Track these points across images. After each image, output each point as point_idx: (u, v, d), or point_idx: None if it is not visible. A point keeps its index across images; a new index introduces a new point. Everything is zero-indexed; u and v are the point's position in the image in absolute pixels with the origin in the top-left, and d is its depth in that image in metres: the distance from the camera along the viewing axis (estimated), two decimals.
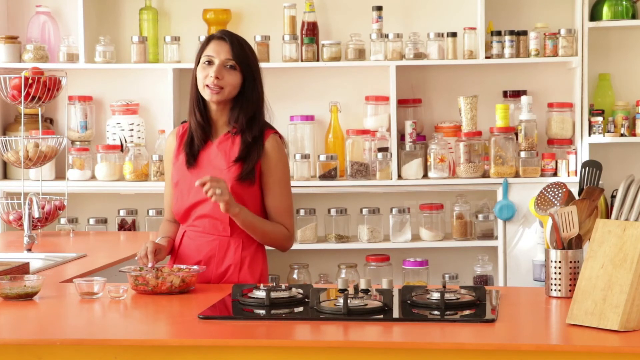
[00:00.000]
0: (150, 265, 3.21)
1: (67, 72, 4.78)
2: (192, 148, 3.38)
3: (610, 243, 2.60)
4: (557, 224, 2.90)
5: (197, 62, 3.35)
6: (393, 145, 5.24)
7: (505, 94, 5.38)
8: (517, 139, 5.23)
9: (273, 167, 3.35)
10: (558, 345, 2.49)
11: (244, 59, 3.31)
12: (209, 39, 3.36)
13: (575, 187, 3.09)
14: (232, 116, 3.35)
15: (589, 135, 5.21)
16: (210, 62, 3.31)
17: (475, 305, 2.81)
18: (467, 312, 2.75)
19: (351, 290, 2.81)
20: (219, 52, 3.30)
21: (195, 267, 3.20)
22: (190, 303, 2.95)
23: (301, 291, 2.92)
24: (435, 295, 2.80)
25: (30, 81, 4.56)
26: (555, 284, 2.92)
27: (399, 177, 5.24)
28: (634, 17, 5.26)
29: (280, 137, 3.41)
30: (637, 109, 5.24)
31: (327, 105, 5.36)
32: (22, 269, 3.28)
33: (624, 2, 5.23)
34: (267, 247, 3.45)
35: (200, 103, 3.37)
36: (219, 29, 5.23)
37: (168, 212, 3.53)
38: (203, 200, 3.33)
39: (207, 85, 3.30)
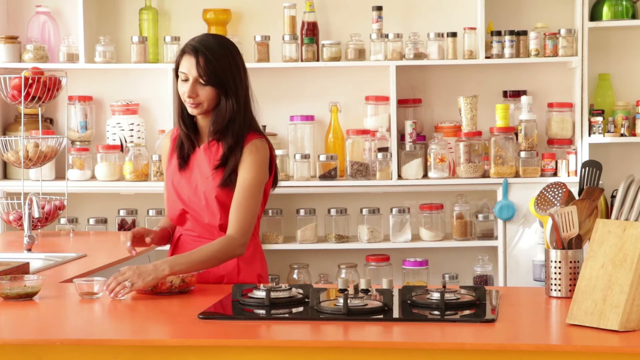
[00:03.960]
0: (128, 244, 3.25)
1: (67, 72, 4.78)
2: (183, 151, 3.39)
3: (610, 243, 2.60)
4: (557, 224, 2.90)
5: (176, 75, 3.34)
6: (393, 145, 5.24)
7: (505, 94, 5.38)
8: (517, 139, 5.23)
9: (242, 167, 3.28)
10: (558, 345, 2.49)
11: (212, 73, 3.24)
12: (182, 52, 3.31)
13: (575, 187, 3.09)
14: (210, 125, 3.33)
15: (589, 135, 5.21)
16: (186, 79, 3.31)
17: (475, 305, 2.81)
18: (467, 312, 2.75)
19: (351, 290, 2.81)
20: (189, 69, 3.27)
21: None
22: (190, 303, 2.95)
23: (301, 291, 2.92)
24: (435, 295, 2.80)
25: (30, 81, 4.56)
26: (555, 284, 2.92)
27: (399, 177, 5.24)
28: (634, 17, 5.26)
29: (267, 140, 3.35)
30: (637, 109, 5.24)
31: (327, 105, 5.36)
32: (22, 269, 3.28)
33: (624, 2, 5.23)
34: (265, 248, 3.44)
35: (184, 113, 3.38)
36: (219, 31, 5.28)
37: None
38: (193, 207, 3.33)
39: (187, 101, 3.31)
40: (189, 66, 3.27)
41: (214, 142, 3.33)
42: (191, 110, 3.31)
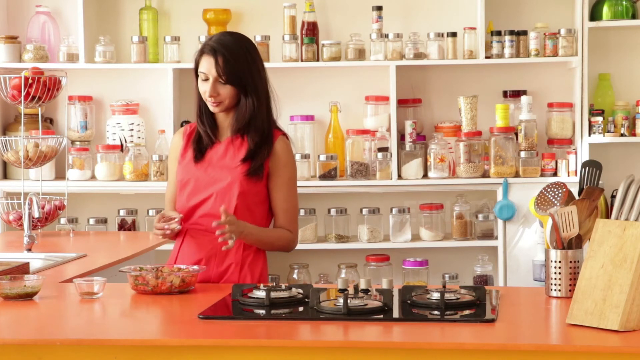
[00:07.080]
0: (177, 219, 3.30)
1: (67, 72, 4.78)
2: (201, 145, 3.42)
3: (610, 243, 2.60)
4: (557, 224, 2.90)
5: (196, 74, 3.38)
6: (393, 145, 5.24)
7: (505, 94, 5.38)
8: (517, 139, 5.23)
9: (282, 168, 3.38)
10: (558, 345, 2.49)
11: (230, 72, 3.32)
12: (201, 52, 3.37)
13: (575, 187, 3.09)
14: (232, 123, 3.39)
15: (589, 135, 5.21)
16: (206, 79, 3.35)
17: (475, 305, 2.81)
18: (467, 312, 2.75)
19: (351, 290, 2.81)
20: (209, 69, 3.34)
21: (195, 267, 3.20)
22: (190, 303, 2.95)
23: (301, 291, 2.92)
24: (435, 295, 2.80)
25: (30, 81, 4.56)
26: (555, 284, 2.92)
27: (399, 177, 5.24)
28: (634, 17, 5.26)
29: (288, 138, 3.44)
30: (637, 109, 5.24)
31: (327, 105, 5.36)
32: (22, 269, 3.28)
33: (624, 2, 5.23)
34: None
35: (202, 110, 3.43)
36: (219, 31, 5.27)
37: (169, 208, 3.52)
38: (207, 199, 3.36)
39: (208, 100, 3.35)
40: (208, 66, 3.33)
41: (238, 136, 3.38)
42: (213, 109, 3.38)
